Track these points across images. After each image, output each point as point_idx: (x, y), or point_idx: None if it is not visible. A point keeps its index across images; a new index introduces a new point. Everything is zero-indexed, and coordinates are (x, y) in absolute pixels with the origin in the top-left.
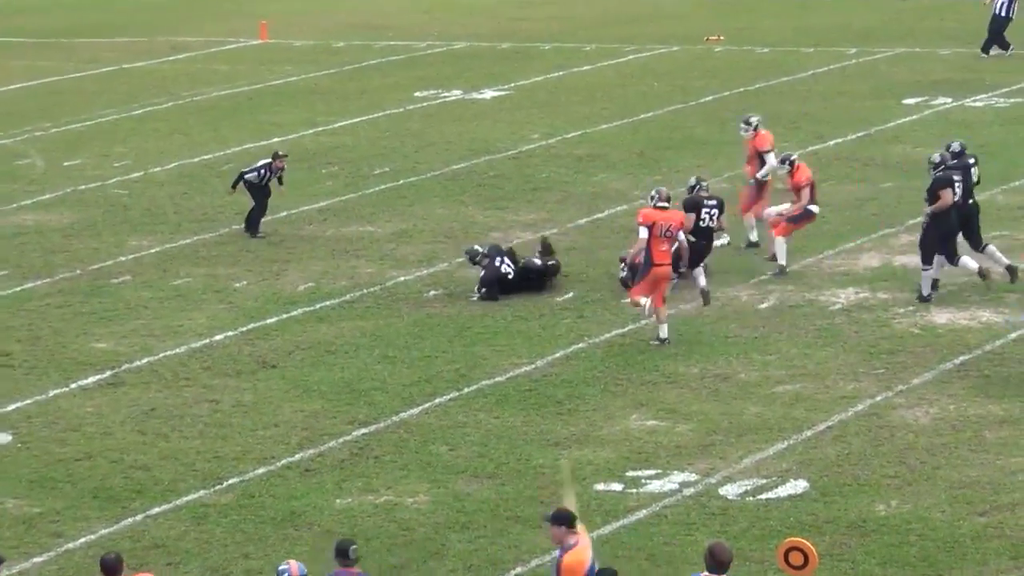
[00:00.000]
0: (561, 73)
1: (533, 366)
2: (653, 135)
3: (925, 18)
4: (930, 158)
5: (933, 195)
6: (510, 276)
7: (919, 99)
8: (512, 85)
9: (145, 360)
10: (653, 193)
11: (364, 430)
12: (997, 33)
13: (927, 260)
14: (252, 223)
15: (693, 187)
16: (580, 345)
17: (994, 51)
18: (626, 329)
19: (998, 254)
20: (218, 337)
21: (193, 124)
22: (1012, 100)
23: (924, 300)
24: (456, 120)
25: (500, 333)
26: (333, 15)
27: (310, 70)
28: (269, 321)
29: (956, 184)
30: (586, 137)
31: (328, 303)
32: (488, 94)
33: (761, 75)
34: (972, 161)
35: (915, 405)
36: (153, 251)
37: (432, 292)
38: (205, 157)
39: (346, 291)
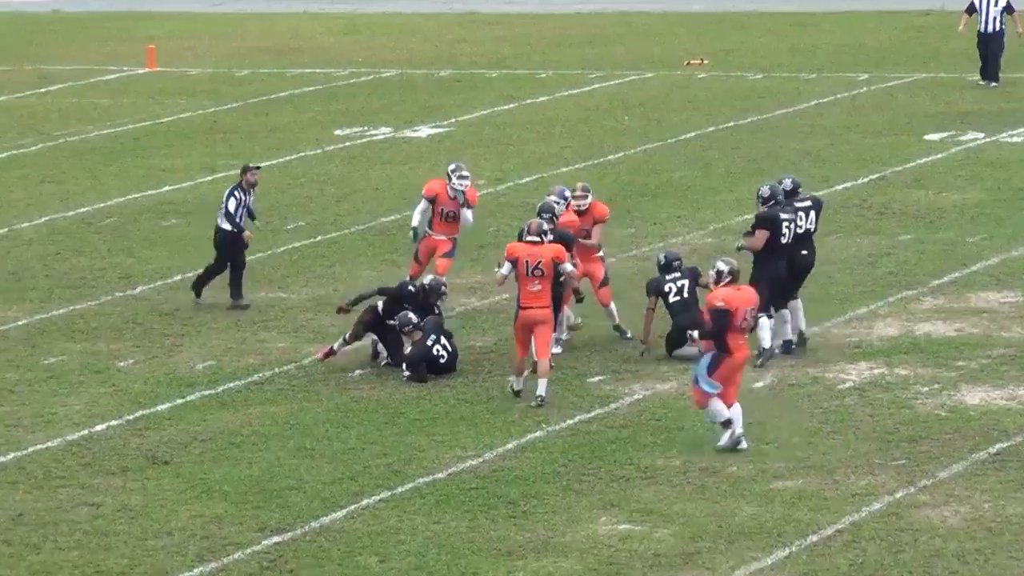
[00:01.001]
0: (512, 105)
1: (480, 459)
2: (624, 179)
3: (951, 37)
4: (759, 190)
5: (760, 230)
6: (442, 360)
7: (944, 134)
8: (453, 120)
9: (11, 455)
10: (523, 226)
11: (277, 538)
12: (997, 54)
13: (763, 308)
14: (234, 284)
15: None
16: (537, 434)
17: (981, 82)
18: (592, 414)
19: (801, 314)
20: (99, 427)
21: (67, 170)
22: None
23: (764, 356)
24: (386, 163)
25: (440, 420)
26: (235, 38)
27: (208, 104)
28: (161, 407)
29: (785, 225)
30: (543, 183)
31: (232, 385)
32: (424, 132)
33: (753, 106)
34: (808, 204)
35: (943, 503)
36: (20, 323)
37: (358, 371)
38: (82, 210)
39: (254, 370)
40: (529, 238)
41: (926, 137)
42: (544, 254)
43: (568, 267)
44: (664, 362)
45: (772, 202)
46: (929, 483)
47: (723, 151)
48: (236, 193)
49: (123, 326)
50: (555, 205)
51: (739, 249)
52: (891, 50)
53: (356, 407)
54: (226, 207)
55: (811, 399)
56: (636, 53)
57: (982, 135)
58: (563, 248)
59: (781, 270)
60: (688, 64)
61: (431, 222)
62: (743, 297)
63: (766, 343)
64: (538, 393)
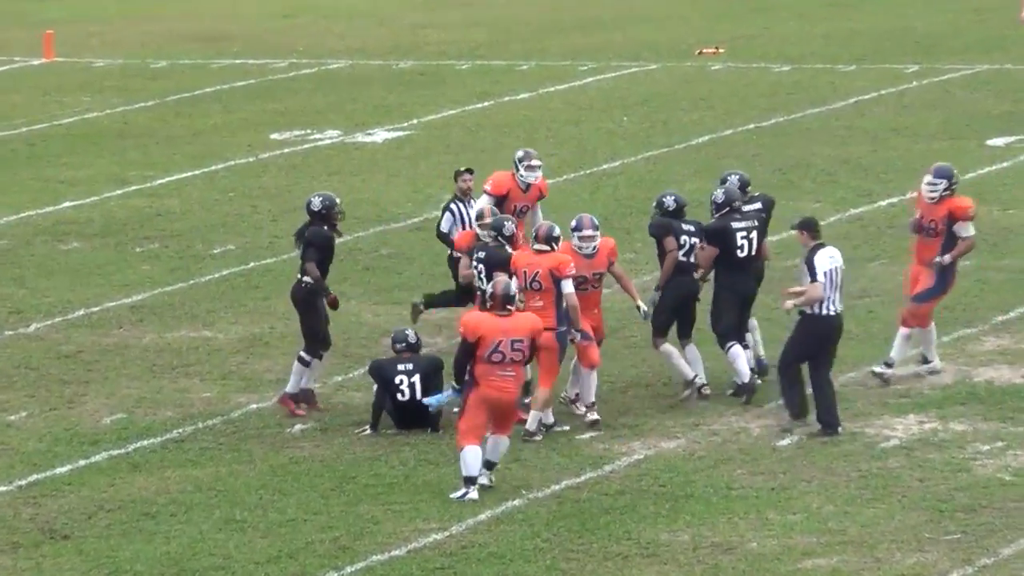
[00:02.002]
0: (486, 104)
1: (447, 533)
2: (622, 193)
3: (1018, 23)
4: (713, 196)
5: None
6: (404, 399)
7: (1011, 139)
8: (415, 121)
9: None
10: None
11: None
12: None
13: (734, 337)
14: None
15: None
16: (515, 502)
17: None
18: (582, 478)
19: (758, 335)
20: None
21: None
22: None
23: (741, 392)
24: (333, 174)
25: (398, 485)
26: (150, 22)
27: (117, 103)
28: (60, 470)
29: (741, 236)
30: None
31: (146, 443)
32: (380, 135)
33: (780, 105)
34: (759, 206)
35: None
36: None
37: (299, 426)
38: None
39: (173, 425)
40: (538, 246)
41: (989, 142)
42: (543, 264)
43: (569, 287)
44: (669, 415)
45: (727, 209)
46: (990, 562)
47: (742, 159)
48: (453, 206)
49: (14, 371)
50: (506, 223)
51: (701, 279)
52: (946, 36)
53: (296, 470)
54: (439, 227)
55: (848, 460)
56: (638, 40)
57: None
58: (567, 260)
59: (748, 288)
60: (700, 53)
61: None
62: (500, 327)
63: (743, 377)
64: (527, 427)
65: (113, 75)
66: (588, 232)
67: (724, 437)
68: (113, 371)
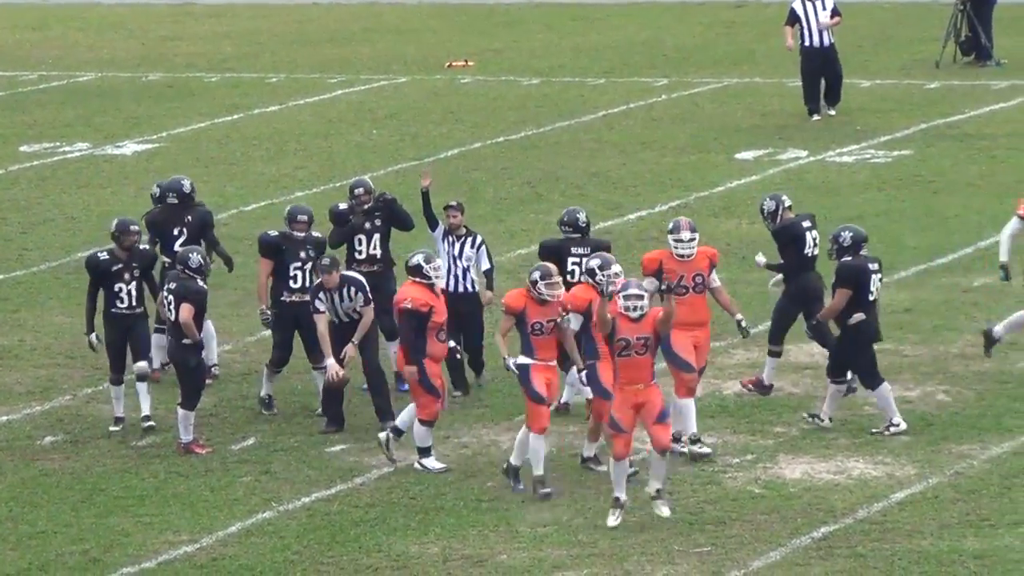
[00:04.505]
0: (237, 116)
1: (197, 545)
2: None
3: (768, 35)
4: (838, 237)
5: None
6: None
7: (760, 152)
8: (165, 134)
9: None
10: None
11: None
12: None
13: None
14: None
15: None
16: (266, 514)
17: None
18: (333, 491)
19: None
20: None
21: None
22: (896, 153)
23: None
24: (83, 187)
25: (149, 497)
26: None
27: None
28: None
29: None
30: (274, 210)
31: None
32: (130, 148)
33: (529, 118)
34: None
35: None
36: None
37: (48, 438)
38: None
39: None
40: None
41: (738, 156)
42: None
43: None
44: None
45: (856, 249)
46: (740, 574)
47: (492, 172)
48: (443, 244)
49: None
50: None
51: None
52: (695, 49)
53: (46, 482)
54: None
55: (598, 474)
56: (388, 53)
57: (805, 153)
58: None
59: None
60: (450, 66)
61: None
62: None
63: (896, 414)
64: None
65: None
66: (686, 235)
67: (474, 450)
68: None
